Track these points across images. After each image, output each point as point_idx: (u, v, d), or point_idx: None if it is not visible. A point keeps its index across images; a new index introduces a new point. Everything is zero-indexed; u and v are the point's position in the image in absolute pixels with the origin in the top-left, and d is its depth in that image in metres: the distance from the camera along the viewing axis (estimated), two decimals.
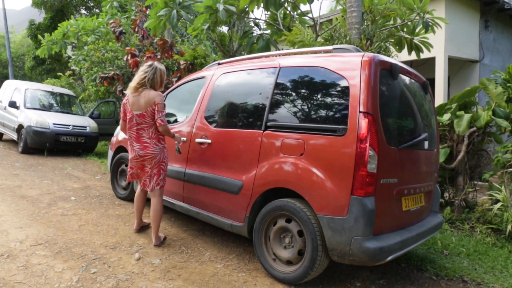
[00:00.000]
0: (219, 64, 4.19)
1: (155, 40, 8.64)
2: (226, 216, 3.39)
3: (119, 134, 5.20)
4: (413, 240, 2.93)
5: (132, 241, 3.64)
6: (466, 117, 4.80)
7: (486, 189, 5.16)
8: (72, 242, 3.50)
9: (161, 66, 3.60)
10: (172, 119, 4.46)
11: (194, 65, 7.87)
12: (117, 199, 5.20)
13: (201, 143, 3.70)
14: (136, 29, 8.93)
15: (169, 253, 3.41)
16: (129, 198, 5.03)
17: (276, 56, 3.70)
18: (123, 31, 9.18)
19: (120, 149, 5.13)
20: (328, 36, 6.16)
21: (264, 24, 7.11)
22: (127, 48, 8.77)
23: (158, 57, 8.21)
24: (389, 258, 2.62)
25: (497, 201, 4.53)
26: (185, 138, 3.89)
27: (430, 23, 6.16)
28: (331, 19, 8.30)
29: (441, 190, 5.22)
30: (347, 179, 2.57)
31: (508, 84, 6.69)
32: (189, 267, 3.14)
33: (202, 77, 4.16)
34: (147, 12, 8.80)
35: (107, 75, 8.79)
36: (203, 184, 3.62)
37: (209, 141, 3.61)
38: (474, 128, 4.90)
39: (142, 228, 3.99)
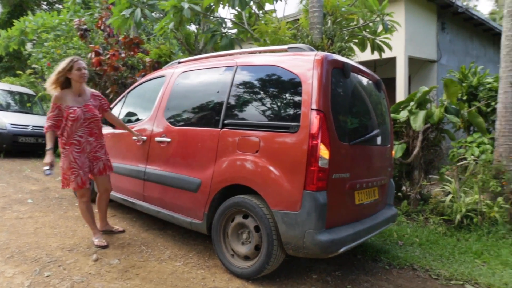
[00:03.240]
0: (179, 62, 4.19)
1: (120, 38, 8.47)
2: (186, 214, 3.40)
3: None
4: (365, 232, 3.04)
5: (90, 242, 3.58)
6: (422, 114, 5.02)
7: (440, 182, 5.42)
8: (26, 245, 3.40)
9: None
10: (133, 118, 4.41)
11: (160, 64, 7.79)
12: (77, 201, 5.07)
13: (160, 142, 3.69)
14: (102, 27, 8.72)
15: (128, 253, 3.38)
16: None
17: (234, 55, 3.74)
18: (88, 28, 8.94)
19: None
20: (291, 35, 6.26)
21: (230, 23, 7.14)
22: (91, 46, 8.54)
23: (123, 55, 8.06)
24: (342, 250, 2.72)
25: (449, 193, 4.77)
26: (145, 137, 3.87)
27: (389, 25, 6.39)
28: (297, 19, 8.42)
29: (399, 184, 5.44)
30: (299, 175, 2.64)
31: (463, 83, 7.05)
32: (148, 266, 3.13)
33: (162, 76, 4.14)
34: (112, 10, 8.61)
35: None
36: (163, 182, 3.61)
37: (169, 139, 3.61)
38: (429, 125, 5.14)
39: (106, 231, 3.90)
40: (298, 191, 2.65)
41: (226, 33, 6.58)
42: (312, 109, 2.68)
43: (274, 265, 2.84)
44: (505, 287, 3.10)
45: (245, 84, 3.21)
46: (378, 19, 6.37)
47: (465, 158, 5.39)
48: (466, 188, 4.78)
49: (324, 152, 2.63)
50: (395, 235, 4.23)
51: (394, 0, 8.45)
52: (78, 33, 8.81)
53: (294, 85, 2.86)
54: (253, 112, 3.08)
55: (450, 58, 10.17)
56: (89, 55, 8.31)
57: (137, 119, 4.31)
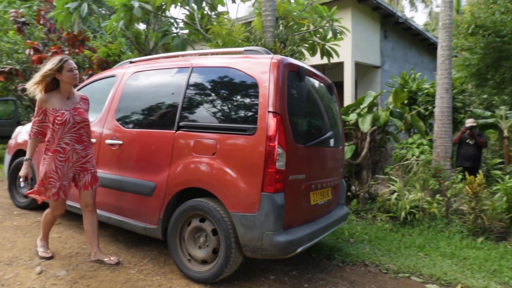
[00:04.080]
0: (131, 62, 4.03)
1: (63, 34, 7.97)
2: (139, 219, 3.28)
3: (19, 136, 4.71)
4: (321, 232, 3.14)
5: (33, 253, 3.32)
6: (369, 117, 5.30)
7: (386, 181, 5.75)
8: None
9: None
10: None
11: (108, 63, 7.44)
12: (16, 209, 4.69)
13: (111, 145, 3.53)
14: (41, 21, 8.14)
15: (77, 263, 3.19)
16: (31, 207, 4.58)
17: (189, 56, 3.68)
18: (26, 22, 8.30)
19: (20, 152, 4.64)
20: (244, 37, 6.30)
21: (182, 23, 7.02)
22: (28, 41, 7.94)
23: (66, 52, 7.59)
24: (299, 249, 2.78)
25: (394, 191, 5.07)
26: (95, 140, 3.67)
27: (338, 31, 6.66)
28: (250, 21, 8.49)
29: (348, 184, 5.68)
30: (257, 177, 2.66)
31: (404, 89, 7.53)
32: (99, 275, 2.97)
33: (113, 76, 3.97)
34: (53, 3, 8.07)
35: (3, 69, 7.87)
36: (114, 187, 3.45)
37: (120, 142, 3.46)
38: (375, 127, 5.43)
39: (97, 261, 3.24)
40: (256, 193, 2.66)
41: (178, 33, 6.45)
42: (269, 112, 2.71)
43: (232, 268, 2.83)
44: (445, 276, 3.35)
45: (201, 85, 3.18)
46: (327, 25, 6.62)
47: (407, 159, 5.75)
48: (409, 187, 5.11)
49: (281, 154, 2.68)
50: (346, 233, 4.41)
51: (341, 7, 8.82)
52: (15, 26, 8.16)
53: (251, 88, 2.88)
54: (209, 114, 3.05)
55: (392, 64, 10.83)
56: (27, 52, 7.73)
57: None
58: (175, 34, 6.41)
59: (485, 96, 8.75)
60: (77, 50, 7.70)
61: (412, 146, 6.36)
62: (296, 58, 5.89)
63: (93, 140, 3.65)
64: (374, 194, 5.64)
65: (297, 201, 2.92)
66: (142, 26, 9.38)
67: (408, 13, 21.76)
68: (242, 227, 2.70)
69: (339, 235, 4.35)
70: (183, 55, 3.75)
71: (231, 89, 3.05)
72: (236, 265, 2.85)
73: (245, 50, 3.28)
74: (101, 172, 3.57)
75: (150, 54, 7.24)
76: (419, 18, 48.73)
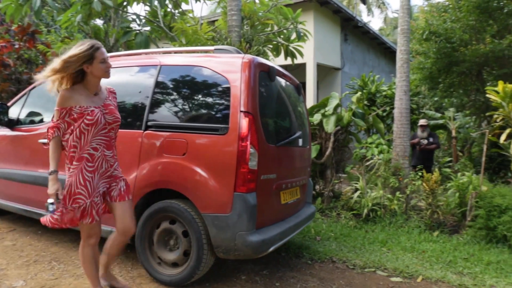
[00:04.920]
0: None
1: (12, 27, 7.46)
2: (104, 222, 3.13)
3: None
4: (291, 230, 3.18)
5: None
6: (333, 117, 5.44)
7: (349, 180, 5.94)
8: None
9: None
10: (36, 118, 3.93)
11: None
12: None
13: None
14: None
15: (35, 272, 3.00)
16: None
17: (157, 53, 3.59)
18: None
19: None
20: (210, 37, 6.24)
21: (144, 20, 6.82)
22: None
23: (16, 47, 7.11)
24: (271, 249, 2.80)
25: (357, 189, 5.25)
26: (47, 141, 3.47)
27: (302, 33, 6.78)
28: (214, 21, 8.43)
29: (313, 183, 5.80)
30: (229, 177, 2.64)
31: (364, 90, 7.82)
32: (61, 284, 2.82)
33: None
34: None
35: None
36: None
37: None
38: (339, 127, 5.59)
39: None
40: (228, 193, 2.65)
41: (141, 31, 6.27)
42: (241, 111, 2.71)
43: (204, 269, 2.79)
44: (407, 269, 3.52)
45: (170, 84, 3.10)
46: (292, 26, 6.71)
47: (370, 159, 5.98)
48: (371, 185, 5.31)
49: (253, 153, 2.68)
50: (313, 231, 4.50)
51: (304, 10, 8.98)
52: None
53: (222, 87, 2.86)
54: (179, 113, 2.99)
55: (352, 66, 11.21)
56: None
57: (41, 120, 3.85)
58: (138, 31, 6.21)
59: (436, 98, 9.28)
60: (27, 45, 7.24)
61: (371, 146, 6.63)
62: None
63: (45, 141, 3.45)
64: (338, 192, 5.81)
65: (269, 201, 2.94)
66: (101, 22, 9.01)
67: (365, 17, 22.68)
68: (215, 228, 2.67)
69: (306, 233, 4.43)
70: (151, 53, 3.65)
71: (202, 88, 3.01)
72: (208, 266, 2.82)
73: (215, 49, 3.25)
74: (60, 174, 3.38)
75: (111, 51, 6.96)
76: (375, 23, 50.85)
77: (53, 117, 2.38)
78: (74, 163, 2.30)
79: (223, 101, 2.83)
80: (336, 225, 4.81)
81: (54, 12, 7.22)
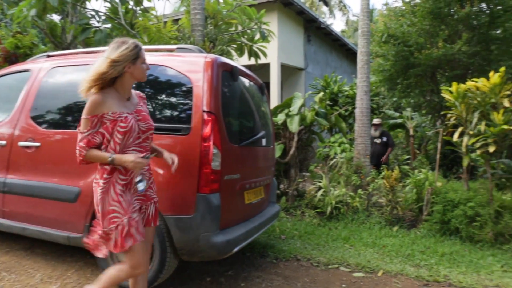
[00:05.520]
0: (48, 56, 3.68)
1: None
2: (62, 228, 3.01)
3: None
4: (255, 230, 3.19)
5: None
6: (297, 117, 5.52)
7: (312, 178, 6.05)
8: None
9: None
10: None
11: (17, 56, 6.66)
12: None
13: (26, 147, 3.17)
14: None
15: None
16: None
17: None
18: None
19: None
20: (173, 35, 6.14)
21: (104, 17, 6.58)
22: None
23: None
24: (236, 249, 2.79)
25: (320, 188, 5.36)
26: (4, 142, 3.28)
27: (266, 33, 6.83)
28: (177, 19, 8.29)
29: (278, 182, 5.86)
30: (192, 178, 2.61)
31: (326, 90, 7.99)
32: None
33: (27, 70, 3.57)
34: None
35: None
36: (31, 194, 3.11)
37: (38, 144, 3.13)
38: (302, 127, 5.68)
39: None
40: (191, 194, 2.61)
41: (101, 28, 6.05)
42: (203, 111, 2.68)
43: (168, 273, 2.74)
44: (369, 264, 3.63)
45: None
46: (255, 27, 6.74)
47: (333, 158, 6.12)
48: (334, 183, 5.44)
49: (216, 154, 2.66)
50: (278, 230, 4.54)
51: (268, 10, 9.04)
52: None
53: (184, 87, 2.82)
54: None
55: (315, 67, 11.42)
56: None
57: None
58: (97, 28, 5.99)
59: (395, 99, 9.66)
60: None
61: (334, 145, 6.78)
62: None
63: (2, 142, 3.26)
64: (302, 191, 5.90)
65: (232, 201, 2.93)
66: (58, 17, 8.60)
67: (327, 19, 23.22)
68: (178, 230, 2.62)
69: (271, 233, 4.47)
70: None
71: (163, 87, 2.95)
72: (171, 269, 2.77)
73: (177, 48, 3.20)
74: (14, 178, 3.20)
75: (68, 48, 6.67)
76: (337, 25, 52.18)
77: (78, 127, 2.02)
78: (105, 176, 2.01)
79: (185, 101, 2.79)
80: (301, 223, 4.88)
81: (5, 5, 6.82)
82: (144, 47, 3.49)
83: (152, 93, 2.95)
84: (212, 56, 2.90)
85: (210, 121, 2.66)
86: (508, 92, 4.41)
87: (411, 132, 8.71)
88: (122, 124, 2.02)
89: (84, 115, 1.98)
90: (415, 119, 9.12)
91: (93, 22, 6.48)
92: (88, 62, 3.29)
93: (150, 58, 3.06)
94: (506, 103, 4.36)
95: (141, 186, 2.06)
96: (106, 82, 2.03)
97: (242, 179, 3.04)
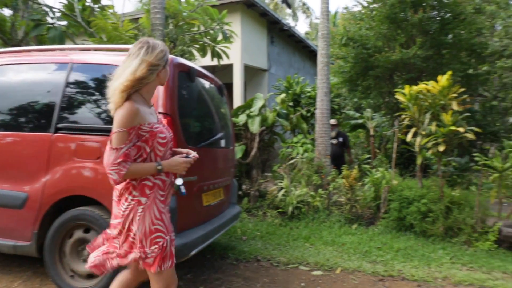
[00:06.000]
0: None
1: None
2: (7, 236, 2.84)
3: None
4: (214, 232, 3.17)
5: None
6: (258, 118, 5.55)
7: (274, 179, 6.10)
8: None
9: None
10: None
11: None
12: None
13: None
14: None
15: None
16: None
17: (68, 50, 3.33)
18: None
19: None
20: (132, 34, 5.99)
21: (59, 13, 6.30)
22: None
23: None
24: (193, 252, 2.76)
25: (282, 188, 5.42)
26: None
27: (228, 34, 6.81)
28: (137, 18, 8.10)
29: (239, 183, 5.86)
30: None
31: (289, 91, 8.08)
32: None
33: None
34: None
35: None
36: None
37: None
38: (264, 127, 5.72)
39: None
40: None
41: (55, 24, 5.79)
42: (159, 113, 2.63)
43: None
44: (327, 262, 3.72)
45: (83, 84, 2.92)
46: (218, 27, 6.71)
47: (293, 157, 6.20)
48: (295, 183, 5.52)
49: None
50: (239, 231, 4.54)
51: (231, 11, 9.02)
52: None
53: None
54: (93, 115, 2.83)
55: (278, 68, 11.54)
56: None
57: None
58: (51, 25, 5.72)
59: (355, 99, 9.96)
60: None
61: (297, 145, 6.87)
62: (186, 59, 5.83)
63: None
64: (264, 191, 5.93)
65: (190, 203, 2.90)
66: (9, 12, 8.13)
67: (291, 21, 23.58)
68: None
69: (232, 234, 4.46)
70: (61, 49, 3.38)
71: None
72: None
73: None
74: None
75: (18, 45, 6.32)
76: (301, 27, 53.07)
77: (110, 143, 1.76)
78: (147, 192, 1.82)
79: None
80: (262, 224, 4.91)
81: None
82: (98, 46, 3.40)
83: (105, 94, 2.84)
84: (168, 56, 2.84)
85: (166, 122, 2.60)
86: (455, 95, 4.66)
87: (372, 132, 9.01)
88: (161, 135, 1.86)
89: (119, 128, 1.72)
90: (375, 120, 9.44)
91: (48, 19, 6.19)
92: (39, 60, 3.15)
93: (103, 57, 3.01)
94: (454, 105, 4.61)
95: (183, 189, 1.97)
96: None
97: (200, 181, 3.02)
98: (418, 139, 4.85)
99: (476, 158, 5.11)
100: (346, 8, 9.15)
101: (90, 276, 2.70)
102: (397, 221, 4.85)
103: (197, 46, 6.94)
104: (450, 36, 7.57)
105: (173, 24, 6.44)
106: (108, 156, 1.73)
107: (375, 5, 8.03)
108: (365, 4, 8.27)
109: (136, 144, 1.79)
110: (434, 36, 7.47)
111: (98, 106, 2.83)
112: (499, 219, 4.65)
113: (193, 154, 2.02)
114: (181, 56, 5.62)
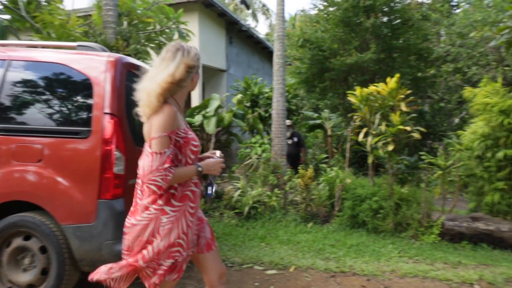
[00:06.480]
0: None
1: None
2: None
3: None
4: None
5: None
6: (214, 118, 5.52)
7: (230, 179, 6.10)
8: None
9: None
10: None
11: None
12: None
13: None
14: None
15: None
16: None
17: (6, 46, 3.13)
18: None
19: None
20: (83, 31, 5.74)
21: (1, 7, 5.91)
22: None
23: None
24: None
25: (238, 188, 5.42)
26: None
27: (184, 33, 6.72)
28: (89, 15, 7.78)
29: None
30: (93, 184, 2.47)
31: (247, 92, 8.12)
32: None
33: None
34: None
35: None
36: None
37: None
38: (220, 128, 5.70)
39: None
40: (91, 201, 2.47)
41: None
42: (105, 113, 2.55)
43: (67, 287, 2.54)
44: (282, 260, 3.76)
45: (22, 82, 2.75)
46: (174, 26, 6.60)
47: (251, 157, 6.24)
48: (252, 183, 5.55)
49: (119, 157, 2.54)
50: None
51: (189, 10, 8.92)
52: None
53: (85, 87, 2.65)
54: (34, 115, 2.68)
55: (237, 69, 11.56)
56: None
57: None
58: None
59: (313, 100, 10.19)
60: None
61: (255, 146, 6.92)
62: (140, 58, 5.68)
63: None
64: (221, 192, 5.90)
65: None
66: None
67: (252, 22, 23.71)
68: (77, 240, 2.46)
69: None
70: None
71: (62, 88, 2.75)
72: (71, 283, 2.58)
73: (78, 46, 2.98)
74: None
75: None
76: (261, 28, 53.49)
77: (150, 148, 1.66)
78: (176, 203, 1.73)
79: (85, 103, 2.64)
80: (219, 224, 4.89)
81: None
82: (43, 43, 3.23)
83: (47, 94, 2.73)
84: (115, 55, 2.77)
85: (113, 123, 2.54)
86: (403, 96, 4.90)
87: (329, 132, 9.25)
88: (194, 143, 1.81)
89: (160, 133, 1.65)
90: (332, 120, 9.70)
91: None
92: None
93: (46, 54, 2.86)
94: (402, 106, 4.84)
95: (210, 190, 1.96)
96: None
97: None
98: (369, 138, 5.04)
99: (423, 157, 5.40)
100: (303, 10, 9.33)
101: (30, 286, 2.55)
102: (351, 219, 5.01)
103: (153, 45, 6.79)
104: (400, 41, 7.95)
105: (127, 22, 6.25)
106: (151, 162, 1.63)
107: (330, 8, 8.26)
108: (321, 7, 8.49)
109: (172, 152, 1.71)
110: (386, 40, 7.81)
111: (40, 106, 2.69)
112: (442, 213, 4.95)
113: (219, 153, 1.98)
114: (135, 55, 5.47)
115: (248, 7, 20.83)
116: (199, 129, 5.66)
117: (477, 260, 3.95)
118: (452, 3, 11.11)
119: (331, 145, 9.27)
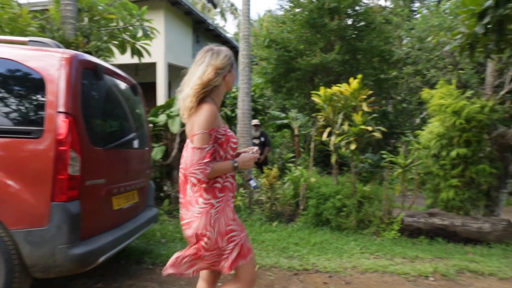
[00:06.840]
0: None
1: None
2: None
3: None
4: (127, 237, 3.03)
5: None
6: (178, 118, 5.43)
7: None
8: None
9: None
10: None
11: None
12: None
13: None
14: None
15: None
16: None
17: None
18: None
19: None
20: (39, 26, 5.48)
21: None
22: None
23: None
24: (101, 259, 2.61)
25: None
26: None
27: (148, 31, 6.58)
28: (47, 9, 7.44)
29: (160, 185, 5.69)
30: (45, 185, 2.36)
31: None
32: None
33: None
34: None
35: None
36: None
37: None
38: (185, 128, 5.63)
39: None
40: (44, 204, 2.37)
41: None
42: (59, 112, 2.45)
43: None
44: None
45: None
46: (137, 23, 6.44)
47: None
48: None
49: (74, 158, 2.45)
50: (158, 234, 4.40)
51: (154, 8, 8.75)
52: None
53: (37, 85, 2.53)
54: None
55: None
56: None
57: None
58: None
59: (280, 100, 10.28)
60: None
61: None
62: (102, 55, 5.51)
63: None
64: None
65: (97, 208, 2.74)
66: None
67: (220, 21, 23.57)
68: (28, 245, 2.35)
69: (151, 237, 4.31)
70: None
71: (10, 85, 2.61)
72: None
73: (29, 41, 2.85)
74: None
75: None
76: (230, 27, 53.28)
77: (192, 143, 1.78)
78: (218, 194, 1.87)
79: (37, 101, 2.52)
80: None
81: None
82: None
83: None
84: (71, 52, 2.66)
85: (67, 122, 2.44)
86: (365, 96, 5.04)
87: (296, 132, 9.37)
88: (234, 140, 1.93)
89: (201, 130, 1.76)
90: (299, 120, 9.83)
91: None
92: None
93: None
94: (364, 106, 4.98)
95: (253, 183, 2.14)
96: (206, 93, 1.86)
97: (109, 184, 2.86)
98: (333, 138, 5.14)
99: (384, 156, 5.58)
100: (269, 11, 9.39)
101: None
102: (315, 217, 5.09)
103: (116, 42, 6.60)
104: (364, 43, 8.18)
105: (88, 17, 6.04)
106: (192, 156, 1.76)
107: (296, 10, 8.37)
108: (288, 8, 8.58)
109: (212, 148, 1.83)
110: (350, 42, 8.01)
111: None
112: (402, 210, 5.13)
113: (255, 149, 2.07)
114: (96, 52, 5.29)
115: (215, 6, 20.71)
116: (164, 129, 5.56)
117: (433, 253, 4.13)
118: (412, 8, 11.58)
119: (298, 144, 9.39)
